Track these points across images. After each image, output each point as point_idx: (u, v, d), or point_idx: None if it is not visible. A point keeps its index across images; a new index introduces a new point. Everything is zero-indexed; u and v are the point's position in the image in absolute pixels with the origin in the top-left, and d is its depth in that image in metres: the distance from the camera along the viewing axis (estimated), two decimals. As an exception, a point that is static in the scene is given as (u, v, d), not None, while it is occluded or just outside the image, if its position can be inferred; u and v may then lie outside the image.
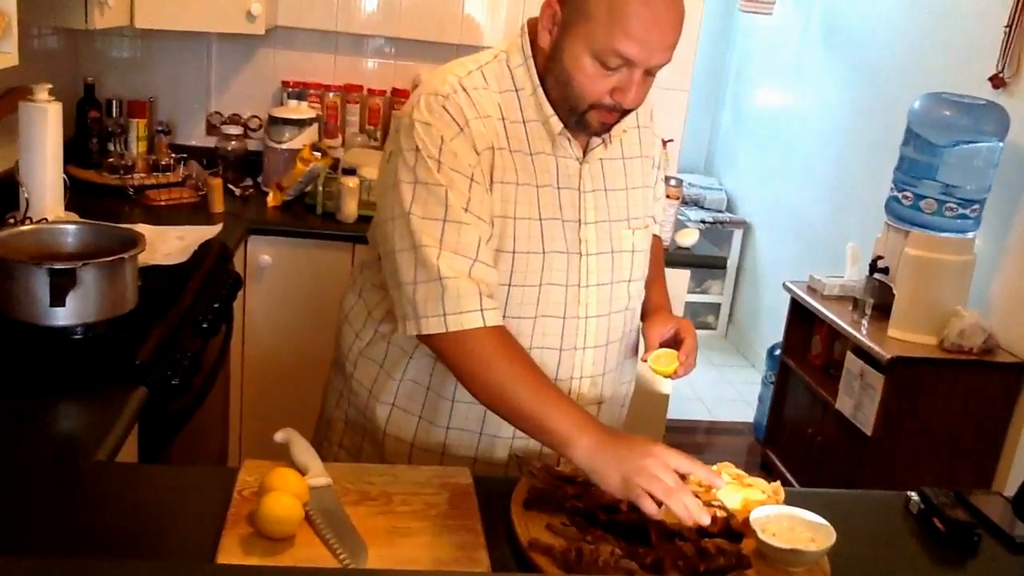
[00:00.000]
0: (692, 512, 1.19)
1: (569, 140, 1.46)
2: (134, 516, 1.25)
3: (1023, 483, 1.37)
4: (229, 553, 1.14)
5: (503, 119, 1.43)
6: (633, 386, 1.73)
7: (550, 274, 1.46)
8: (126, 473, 1.43)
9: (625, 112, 1.42)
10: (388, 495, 1.30)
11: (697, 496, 1.30)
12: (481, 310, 1.36)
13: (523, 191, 1.43)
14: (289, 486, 1.22)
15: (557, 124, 1.44)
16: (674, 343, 1.58)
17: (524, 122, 1.45)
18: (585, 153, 1.50)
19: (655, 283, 1.69)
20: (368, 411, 1.57)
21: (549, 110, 1.44)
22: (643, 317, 1.63)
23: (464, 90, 1.41)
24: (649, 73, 1.38)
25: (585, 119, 1.41)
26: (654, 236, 1.73)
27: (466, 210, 1.37)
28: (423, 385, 1.52)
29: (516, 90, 1.45)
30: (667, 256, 2.98)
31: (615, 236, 1.53)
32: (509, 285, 1.44)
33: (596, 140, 1.49)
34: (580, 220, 1.48)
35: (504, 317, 1.41)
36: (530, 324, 1.47)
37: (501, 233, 1.42)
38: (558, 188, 1.46)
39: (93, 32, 2.63)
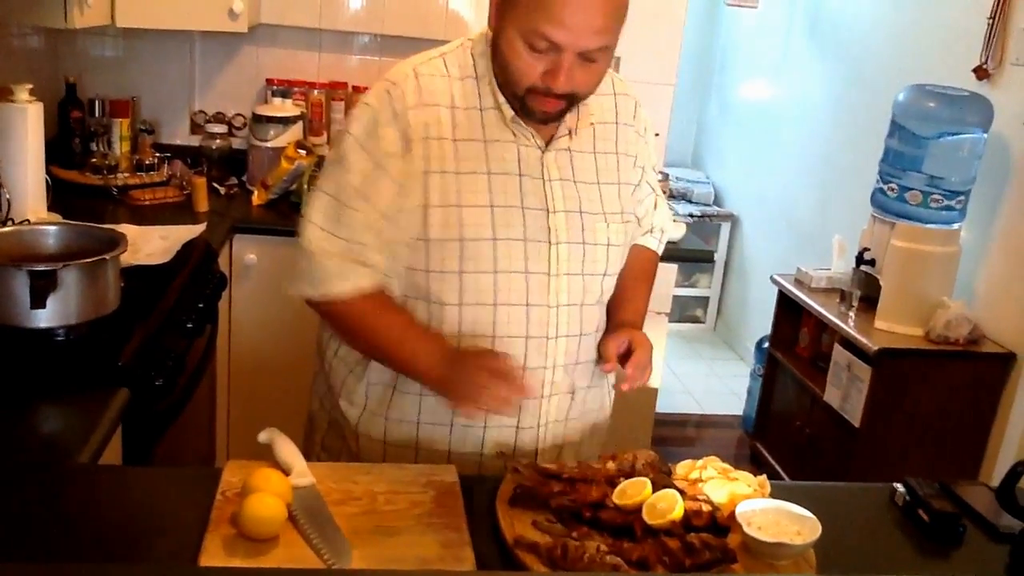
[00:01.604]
0: (503, 403, 1.35)
1: (525, 128, 1.45)
2: (117, 518, 1.24)
3: (1008, 473, 1.37)
4: (212, 555, 1.13)
5: (454, 107, 1.44)
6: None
7: (506, 262, 1.45)
8: (109, 475, 1.42)
9: (568, 99, 1.40)
10: (372, 494, 1.30)
11: (682, 491, 1.31)
12: (344, 278, 1.44)
13: (468, 179, 1.43)
14: (272, 486, 1.21)
15: (509, 111, 1.44)
16: (627, 356, 1.56)
17: (481, 109, 1.45)
18: (550, 143, 1.49)
19: (634, 298, 1.67)
20: (341, 412, 1.58)
21: (501, 97, 1.44)
22: (607, 331, 1.60)
23: (416, 77, 1.44)
24: (588, 59, 1.36)
25: (526, 105, 1.41)
26: (644, 248, 1.72)
27: (358, 194, 1.43)
28: (386, 384, 1.53)
29: (476, 77, 1.46)
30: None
31: (588, 228, 1.51)
32: (461, 272, 1.45)
33: (563, 130, 1.49)
34: (548, 208, 1.48)
35: (460, 305, 1.45)
36: (489, 312, 1.46)
37: (444, 222, 1.43)
38: (520, 176, 1.46)
39: (74, 31, 2.61)
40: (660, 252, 1.78)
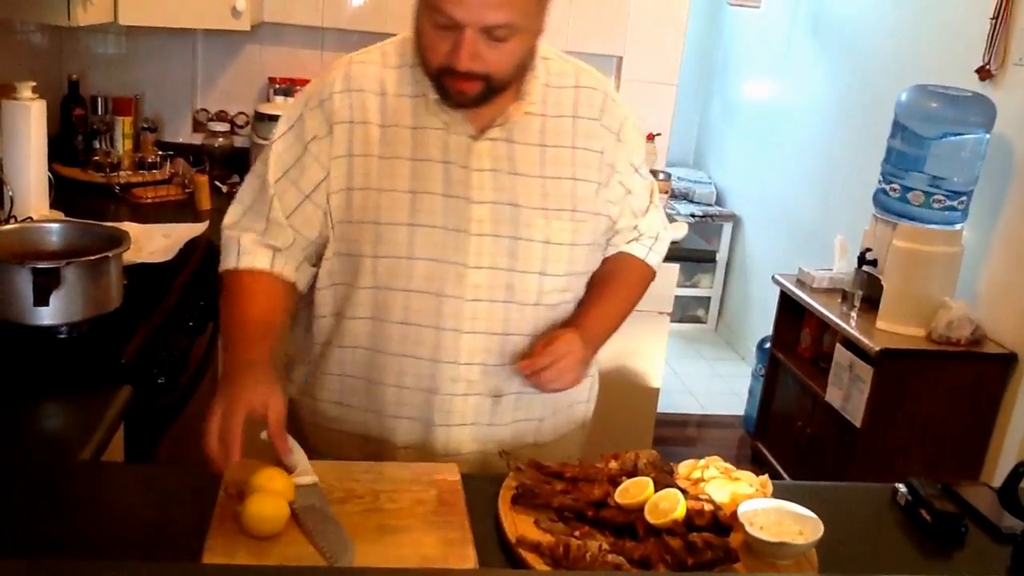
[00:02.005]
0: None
1: (455, 114, 1.43)
2: (120, 515, 1.24)
3: (1010, 474, 1.37)
4: (215, 552, 1.13)
5: (383, 94, 1.46)
6: (590, 394, 1.70)
7: (421, 248, 1.45)
8: (112, 472, 1.42)
9: (484, 81, 1.36)
10: (375, 492, 1.30)
11: (685, 491, 1.31)
12: (237, 254, 1.49)
13: (389, 163, 1.44)
14: (275, 485, 1.21)
15: (433, 94, 1.43)
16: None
17: (413, 96, 1.46)
18: (484, 132, 1.45)
19: (594, 302, 1.58)
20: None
21: (427, 83, 1.43)
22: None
23: (349, 64, 1.48)
24: (494, 37, 1.33)
25: (443, 86, 1.39)
26: (628, 255, 1.64)
27: (281, 176, 1.47)
28: (312, 364, 1.57)
29: (412, 65, 1.46)
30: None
31: (522, 222, 1.47)
32: (375, 256, 1.46)
33: (501, 119, 1.45)
34: (469, 198, 1.45)
35: (374, 288, 1.47)
36: (401, 297, 1.46)
37: (363, 205, 1.45)
38: (446, 163, 1.45)
39: (77, 29, 2.61)
40: (652, 261, 1.68)
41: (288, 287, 1.51)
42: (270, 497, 1.18)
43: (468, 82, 1.36)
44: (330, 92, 1.46)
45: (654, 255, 1.68)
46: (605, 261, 1.62)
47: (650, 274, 1.69)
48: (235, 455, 1.23)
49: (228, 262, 1.51)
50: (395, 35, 1.52)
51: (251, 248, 1.49)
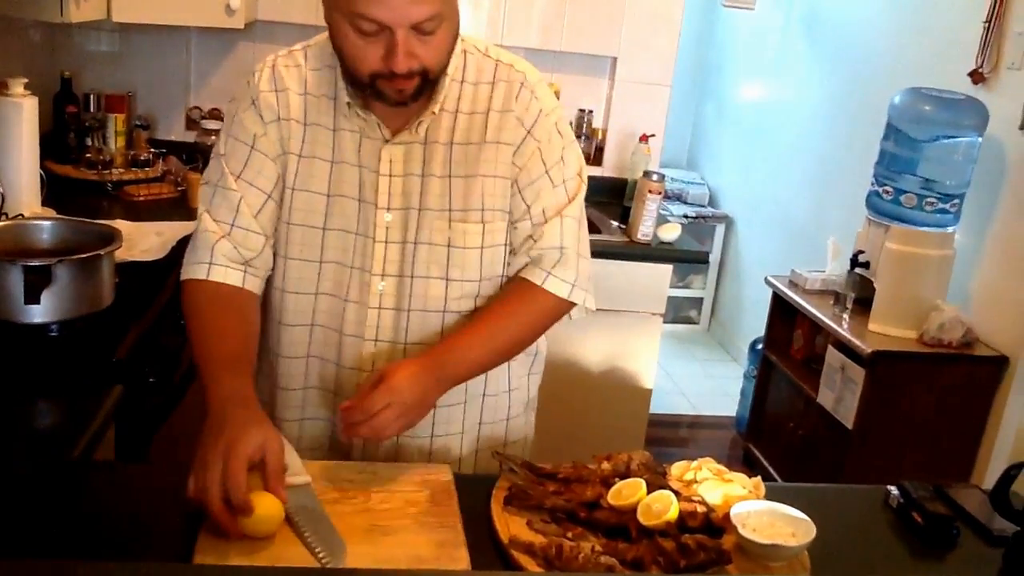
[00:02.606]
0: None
1: (369, 117, 1.41)
2: (111, 515, 1.24)
3: (1001, 477, 1.37)
4: (206, 553, 1.13)
5: (306, 94, 1.44)
6: (519, 407, 1.61)
7: (333, 252, 1.44)
8: (103, 471, 1.41)
9: (420, 76, 1.33)
10: (367, 493, 1.29)
11: (677, 493, 1.31)
12: (209, 264, 1.43)
13: (308, 163, 1.44)
14: (263, 507, 1.20)
15: (344, 97, 1.41)
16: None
17: (334, 98, 1.44)
18: (397, 135, 1.42)
19: (467, 332, 1.43)
20: None
21: (341, 85, 1.41)
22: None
23: (273, 67, 1.46)
24: (423, 32, 1.29)
25: (378, 90, 1.34)
26: (523, 282, 1.46)
27: (237, 178, 1.44)
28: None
29: (334, 66, 1.43)
30: (649, 251, 3.02)
31: (426, 226, 1.43)
32: (287, 258, 1.46)
33: (413, 120, 1.41)
34: (377, 204, 1.43)
35: (284, 292, 1.46)
36: (309, 300, 1.46)
37: (282, 204, 1.45)
38: (360, 167, 1.43)
39: (70, 26, 2.60)
40: (551, 287, 1.46)
41: (256, 304, 1.48)
42: (266, 498, 1.17)
43: (406, 81, 1.33)
44: (258, 91, 1.44)
45: (555, 280, 1.46)
46: (502, 287, 1.50)
47: (551, 301, 1.48)
48: (249, 510, 1.15)
49: (198, 271, 1.44)
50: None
51: (224, 262, 1.44)
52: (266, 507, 1.17)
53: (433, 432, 1.52)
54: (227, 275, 1.44)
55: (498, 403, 1.57)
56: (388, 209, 1.43)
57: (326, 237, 1.44)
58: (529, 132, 1.44)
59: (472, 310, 1.48)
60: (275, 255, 1.47)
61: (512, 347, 1.49)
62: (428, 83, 1.36)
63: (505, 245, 1.48)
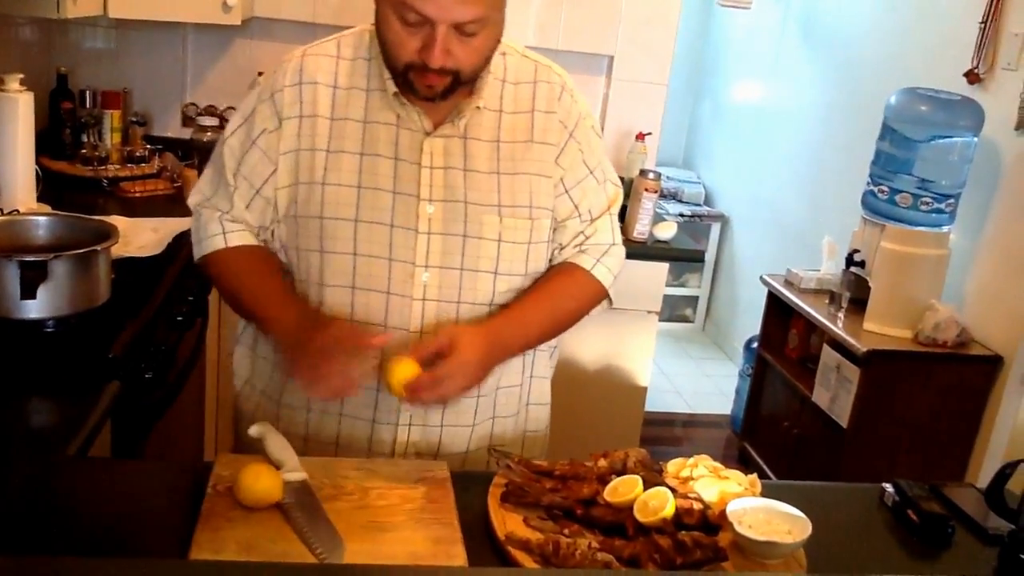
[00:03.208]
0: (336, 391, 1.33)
1: (411, 109, 1.42)
2: (106, 512, 1.23)
3: (996, 475, 1.38)
4: (202, 549, 1.13)
5: (335, 87, 1.45)
6: (541, 399, 1.64)
7: (368, 246, 1.44)
8: (98, 468, 1.41)
9: (452, 76, 1.35)
10: (364, 489, 1.29)
11: (674, 490, 1.31)
12: (224, 233, 1.49)
13: (337, 158, 1.44)
14: (263, 481, 1.21)
15: (392, 87, 1.42)
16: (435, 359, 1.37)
17: (367, 90, 1.45)
18: (438, 128, 1.44)
19: (522, 308, 1.48)
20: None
21: (387, 75, 1.42)
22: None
23: (302, 57, 1.47)
24: (464, 33, 1.32)
25: (409, 82, 1.37)
26: (573, 265, 1.54)
27: (235, 173, 1.48)
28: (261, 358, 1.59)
29: (369, 58, 1.45)
30: (645, 249, 3.02)
31: (473, 220, 1.45)
32: (322, 252, 1.45)
33: (453, 113, 1.43)
34: (419, 196, 1.44)
35: (323, 286, 1.46)
36: (347, 294, 1.46)
37: (307, 199, 1.45)
38: (396, 159, 1.44)
39: (67, 22, 2.60)
40: (599, 274, 1.54)
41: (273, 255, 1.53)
42: (264, 468, 1.21)
43: (436, 76, 1.35)
44: (281, 85, 1.45)
45: (602, 268, 1.55)
46: (548, 270, 1.54)
47: (596, 288, 1.56)
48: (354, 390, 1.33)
49: (215, 243, 1.50)
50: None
51: (236, 229, 1.51)
52: (263, 477, 1.20)
53: (443, 422, 1.52)
54: (244, 237, 1.50)
55: (509, 396, 1.58)
56: (431, 201, 1.44)
57: (358, 229, 1.44)
58: (571, 135, 1.50)
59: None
60: (307, 250, 1.47)
61: (559, 327, 1.55)
62: (459, 84, 1.38)
63: (548, 242, 1.53)
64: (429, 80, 1.35)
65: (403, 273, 1.44)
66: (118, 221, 2.11)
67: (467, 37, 1.33)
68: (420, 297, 1.45)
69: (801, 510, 1.27)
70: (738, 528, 1.23)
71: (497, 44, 1.41)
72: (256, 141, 1.46)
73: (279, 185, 1.46)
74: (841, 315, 3.14)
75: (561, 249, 1.55)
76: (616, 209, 1.59)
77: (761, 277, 3.61)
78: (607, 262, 1.56)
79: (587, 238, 1.55)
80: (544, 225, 1.51)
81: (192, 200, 1.55)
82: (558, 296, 1.53)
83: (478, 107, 1.45)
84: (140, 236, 2.20)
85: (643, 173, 3.04)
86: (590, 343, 3.06)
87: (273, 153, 1.46)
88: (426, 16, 1.30)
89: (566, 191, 1.52)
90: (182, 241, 2.25)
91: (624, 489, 1.30)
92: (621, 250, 1.59)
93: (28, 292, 1.61)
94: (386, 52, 1.39)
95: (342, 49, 1.47)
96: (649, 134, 3.31)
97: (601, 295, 1.57)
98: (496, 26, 1.37)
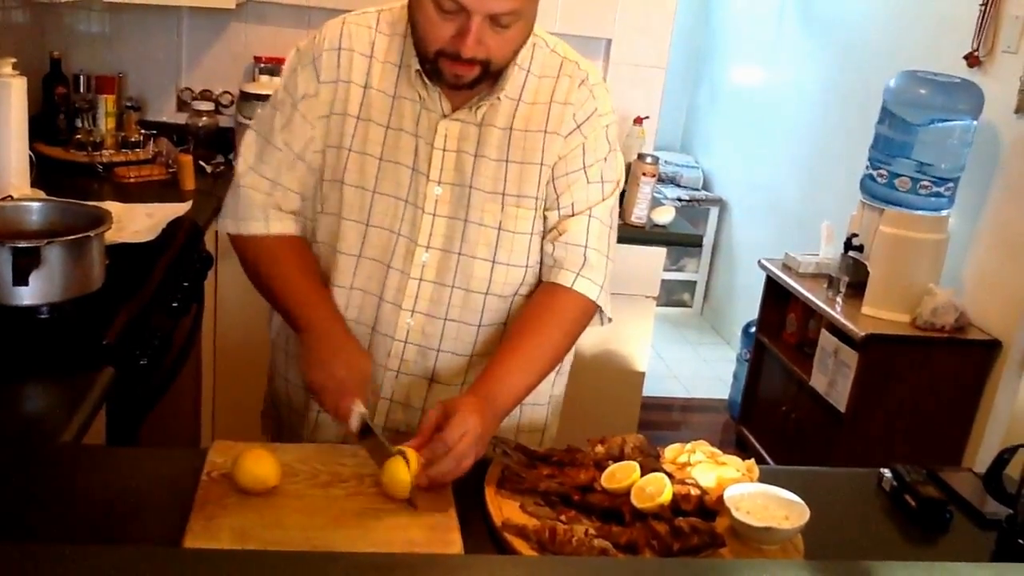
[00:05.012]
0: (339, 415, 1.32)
1: (433, 90, 1.42)
2: (100, 499, 1.23)
3: (994, 460, 1.37)
4: (197, 537, 1.12)
5: (372, 57, 1.46)
6: (548, 396, 1.61)
7: (379, 217, 1.46)
8: (93, 455, 1.41)
9: (482, 66, 1.35)
10: (360, 476, 1.29)
11: (671, 475, 1.30)
12: (265, 220, 1.49)
13: (364, 126, 1.45)
14: (260, 466, 1.21)
15: (415, 65, 1.42)
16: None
17: (400, 65, 1.45)
18: (456, 111, 1.44)
19: (503, 358, 1.41)
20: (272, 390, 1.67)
21: (410, 53, 1.43)
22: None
23: (343, 24, 1.47)
24: (499, 24, 1.32)
25: (438, 68, 1.37)
26: (555, 288, 1.46)
27: (280, 134, 1.48)
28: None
29: (405, 36, 1.45)
30: (642, 234, 3.01)
31: (476, 206, 1.45)
32: (340, 217, 1.47)
33: (474, 100, 1.43)
34: (429, 176, 1.45)
35: (336, 251, 1.48)
36: (352, 262, 1.48)
37: (335, 164, 1.47)
38: (416, 137, 1.45)
39: (59, 5, 2.58)
40: (581, 288, 1.46)
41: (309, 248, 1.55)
42: (264, 453, 1.21)
43: (466, 65, 1.35)
44: (321, 50, 1.46)
45: (584, 281, 1.47)
46: (526, 302, 1.50)
47: (581, 304, 1.48)
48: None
49: (255, 227, 1.50)
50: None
51: (268, 212, 1.50)
52: (265, 463, 1.21)
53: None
54: (285, 225, 1.51)
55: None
56: (439, 183, 1.45)
57: (375, 201, 1.46)
58: (579, 127, 1.47)
59: (513, 295, 1.50)
60: (328, 214, 1.49)
61: (551, 362, 1.48)
62: (487, 75, 1.38)
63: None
64: (459, 69, 1.36)
65: (405, 250, 1.46)
66: (112, 207, 2.10)
67: (501, 28, 1.33)
68: (417, 276, 1.47)
69: (799, 495, 1.27)
70: (735, 514, 1.23)
71: (528, 37, 1.42)
72: (298, 105, 1.47)
73: (316, 148, 1.48)
74: (839, 299, 3.14)
75: (540, 239, 1.50)
76: (602, 213, 1.49)
77: (759, 261, 3.60)
78: (588, 274, 1.47)
79: (560, 235, 1.47)
80: (542, 232, 1.51)
81: (239, 171, 1.52)
82: (538, 334, 1.44)
83: (498, 98, 1.44)
84: (135, 222, 2.19)
85: (641, 157, 3.03)
86: (587, 329, 3.05)
87: (312, 117, 1.47)
88: (463, 5, 1.30)
89: (552, 179, 1.48)
90: (177, 226, 2.24)
91: (621, 475, 1.30)
92: (605, 259, 1.49)
93: (21, 278, 1.60)
94: (417, 36, 1.38)
95: (380, 24, 1.48)
96: (647, 118, 3.29)
97: (589, 309, 1.49)
98: (529, 20, 1.38)
